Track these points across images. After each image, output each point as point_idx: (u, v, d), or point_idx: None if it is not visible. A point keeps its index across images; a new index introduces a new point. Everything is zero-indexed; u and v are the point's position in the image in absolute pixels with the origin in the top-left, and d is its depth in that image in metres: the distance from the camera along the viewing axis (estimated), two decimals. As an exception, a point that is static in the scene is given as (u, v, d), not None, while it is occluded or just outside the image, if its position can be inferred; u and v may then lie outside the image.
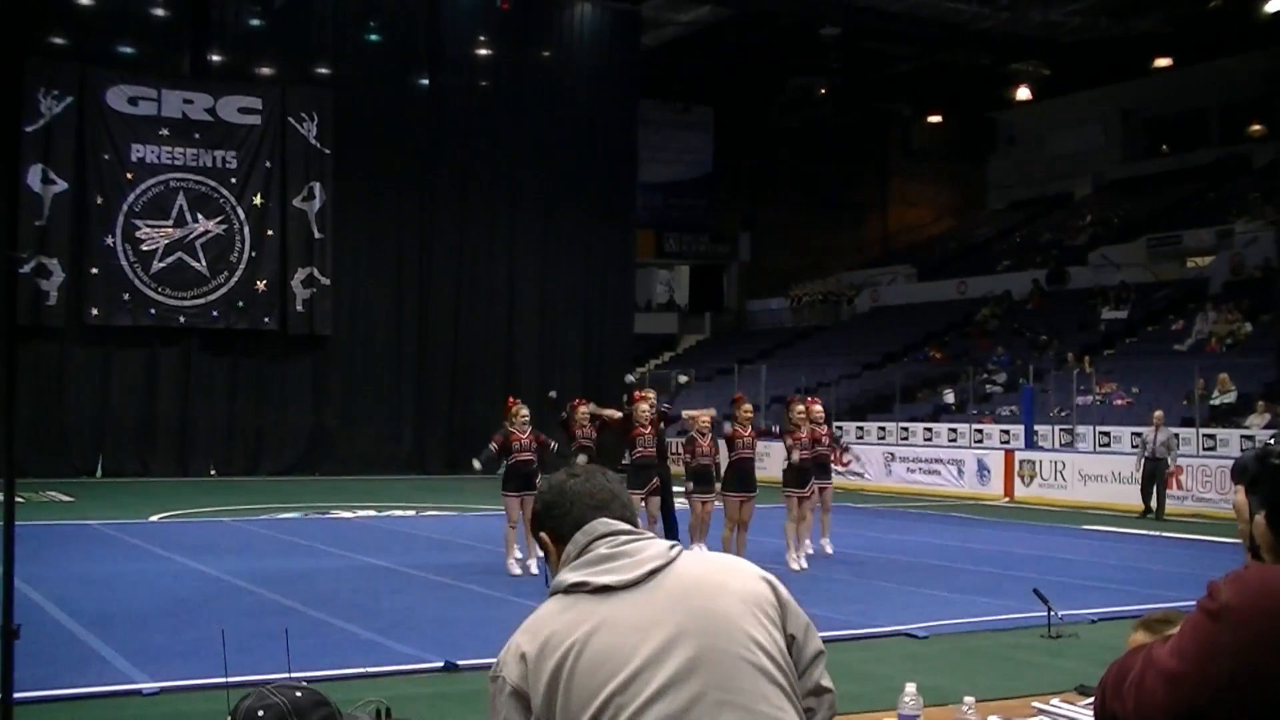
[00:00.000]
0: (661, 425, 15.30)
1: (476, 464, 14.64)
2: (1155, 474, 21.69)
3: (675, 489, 15.65)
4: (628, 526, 2.60)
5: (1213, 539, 18.25)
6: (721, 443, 14.92)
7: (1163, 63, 38.18)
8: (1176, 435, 22.41)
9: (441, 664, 8.64)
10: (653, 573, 2.49)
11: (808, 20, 34.24)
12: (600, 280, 33.30)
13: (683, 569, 2.53)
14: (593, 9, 32.98)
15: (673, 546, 2.58)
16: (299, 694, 4.75)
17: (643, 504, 14.08)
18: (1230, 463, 14.88)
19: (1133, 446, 24.58)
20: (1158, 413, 22.35)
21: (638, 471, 14.33)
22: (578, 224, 32.57)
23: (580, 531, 2.56)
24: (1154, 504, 21.80)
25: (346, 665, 8.48)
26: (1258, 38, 33.89)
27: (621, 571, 2.49)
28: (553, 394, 17.43)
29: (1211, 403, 25.00)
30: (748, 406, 14.74)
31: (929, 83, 40.57)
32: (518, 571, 13.61)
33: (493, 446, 14.25)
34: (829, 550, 15.61)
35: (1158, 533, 19.54)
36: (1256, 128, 38.73)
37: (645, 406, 14.74)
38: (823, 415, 15.96)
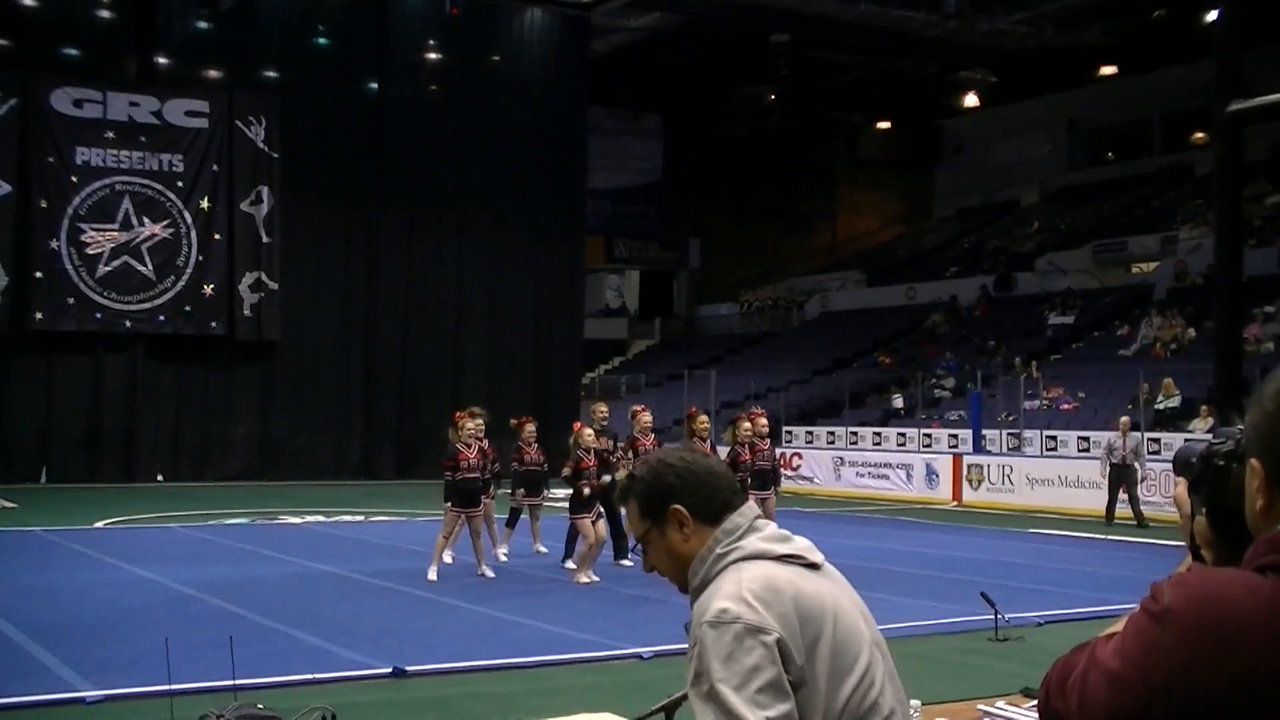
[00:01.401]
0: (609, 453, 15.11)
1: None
2: (1122, 480, 21.59)
3: None
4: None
5: (1159, 542, 18.44)
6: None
7: (1107, 72, 38.63)
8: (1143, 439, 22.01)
9: (390, 670, 8.58)
10: (823, 560, 2.78)
11: (757, 28, 34.39)
12: (549, 286, 33.21)
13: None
14: (542, 15, 32.92)
15: None
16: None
17: (593, 526, 13.94)
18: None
19: (1079, 451, 24.81)
20: (1124, 419, 22.29)
21: (588, 500, 14.08)
22: (527, 230, 32.48)
23: (741, 510, 2.77)
24: (1124, 510, 21.43)
25: (293, 672, 8.43)
26: (1200, 48, 34.26)
27: (813, 554, 2.75)
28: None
29: (1156, 407, 25.28)
30: (703, 419, 14.54)
31: (877, 91, 40.84)
32: (434, 578, 13.47)
33: (446, 476, 14.10)
34: None
35: (1104, 536, 19.72)
36: (1199, 136, 39.21)
37: (589, 433, 14.63)
38: (768, 429, 15.81)
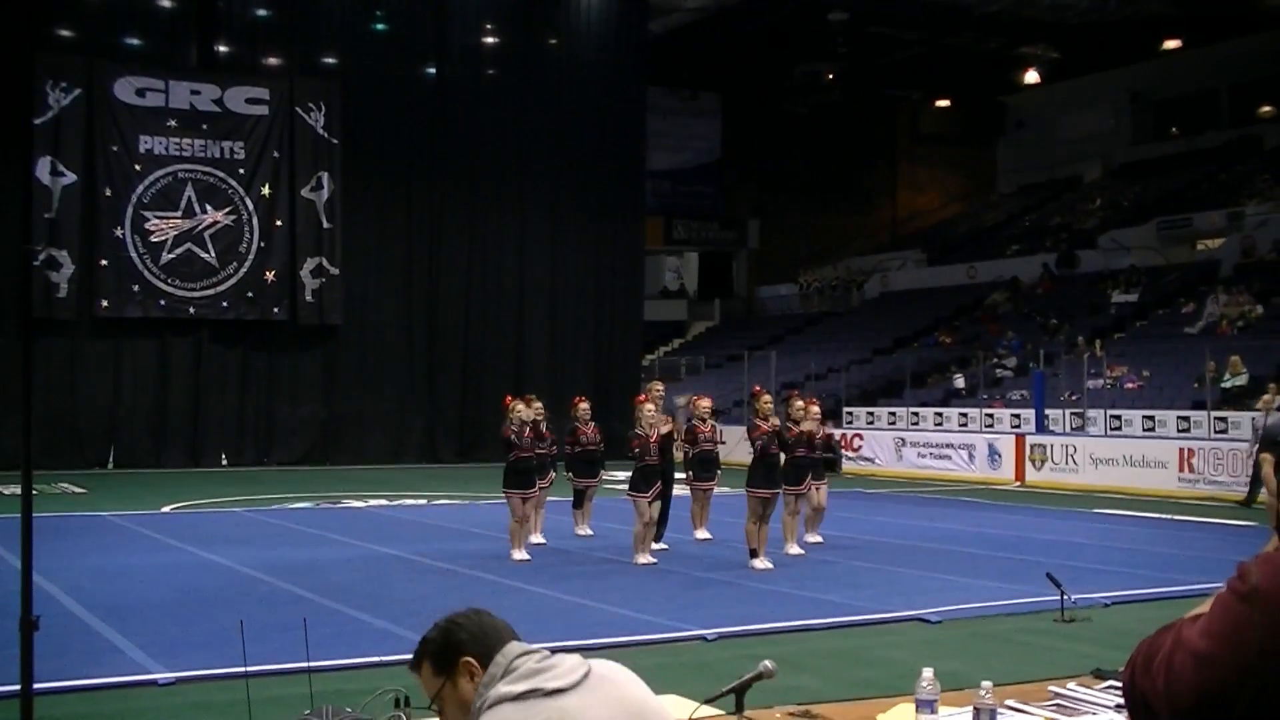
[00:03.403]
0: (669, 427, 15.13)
1: None
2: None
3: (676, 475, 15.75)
4: (536, 646, 2.95)
5: (1226, 522, 18.23)
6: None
7: (1172, 44, 38.08)
8: None
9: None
10: (586, 675, 2.83)
11: (815, 5, 34.19)
12: (609, 268, 33.28)
13: (601, 669, 2.90)
14: (600, -4, 32.92)
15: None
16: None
17: (648, 509, 13.92)
18: (1242, 445, 14.66)
19: (1144, 430, 24.57)
20: (1266, 396, 21.64)
21: (644, 475, 14.08)
22: (586, 211, 32.54)
23: (500, 654, 2.88)
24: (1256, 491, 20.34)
25: (361, 654, 8.50)
26: (1267, 19, 33.79)
27: (562, 677, 2.80)
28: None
29: (1223, 385, 24.94)
30: (767, 398, 14.24)
31: (937, 67, 40.50)
32: (527, 557, 13.65)
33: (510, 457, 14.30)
34: (817, 539, 15.48)
35: (1170, 516, 19.51)
36: (1267, 109, 38.63)
37: (650, 408, 14.61)
38: (819, 415, 15.66)
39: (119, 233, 27.96)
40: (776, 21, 36.12)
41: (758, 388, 14.79)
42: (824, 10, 34.40)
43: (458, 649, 2.92)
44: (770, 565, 13.22)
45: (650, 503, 13.81)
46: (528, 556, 13.72)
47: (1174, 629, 1.69)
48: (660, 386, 15.88)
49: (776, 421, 13.92)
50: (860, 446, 29.50)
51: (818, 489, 15.50)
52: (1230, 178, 37.75)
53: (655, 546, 14.25)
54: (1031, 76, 39.96)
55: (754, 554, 13.40)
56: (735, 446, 22.62)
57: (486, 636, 2.93)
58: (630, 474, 14.14)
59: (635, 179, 34.45)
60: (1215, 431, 23.40)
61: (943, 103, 45.65)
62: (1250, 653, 1.57)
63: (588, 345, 32.70)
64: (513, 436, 13.96)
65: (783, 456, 14.21)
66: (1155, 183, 39.95)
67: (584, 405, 15.99)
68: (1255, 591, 1.60)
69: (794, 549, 14.39)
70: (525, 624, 10.10)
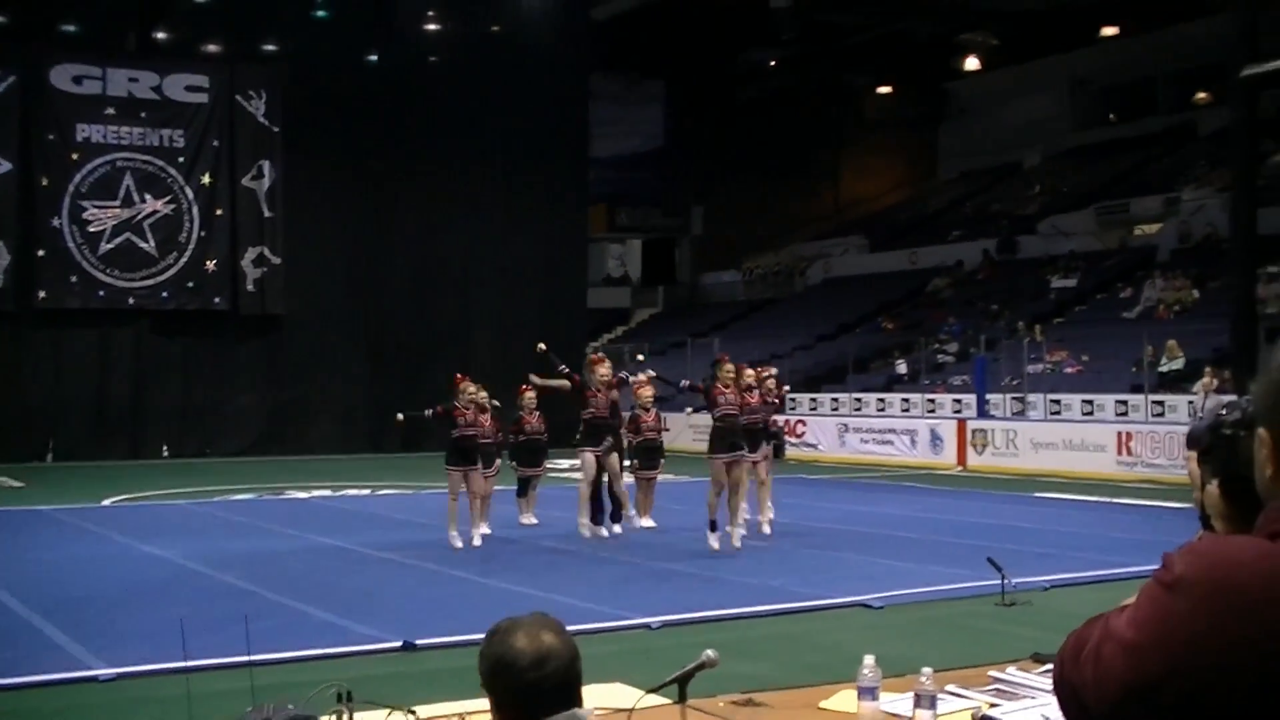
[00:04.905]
0: (616, 392, 15.21)
1: (400, 416, 15.97)
2: None
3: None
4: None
5: (1164, 504, 18.45)
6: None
7: (1110, 31, 38.40)
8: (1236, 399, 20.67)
9: (400, 644, 8.62)
10: None
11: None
12: (553, 255, 33.19)
13: None
14: (542, -18, 32.74)
15: None
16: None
17: (595, 462, 13.93)
18: (1179, 429, 14.95)
19: (1083, 414, 24.82)
20: (1204, 379, 21.61)
21: (593, 431, 14.17)
22: (530, 199, 32.42)
23: None
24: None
25: (305, 647, 8.46)
26: (1203, 6, 34.13)
27: None
28: (541, 346, 16.00)
29: (1160, 369, 25.24)
30: (730, 366, 13.97)
31: (880, 54, 40.61)
32: (459, 545, 13.66)
33: (428, 413, 14.41)
34: (766, 529, 15.21)
35: (1108, 499, 19.73)
36: (1203, 95, 39.02)
37: (603, 370, 14.64)
38: (753, 379, 15.25)
39: (56, 222, 27.60)
40: (721, 8, 36.09)
41: (723, 355, 14.77)
42: (767, -3, 34.42)
43: (489, 681, 2.71)
44: (719, 547, 13.25)
45: (601, 456, 13.88)
46: (460, 545, 13.67)
47: (1101, 620, 1.71)
48: (606, 366, 15.67)
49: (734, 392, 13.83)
50: (803, 432, 29.62)
51: (755, 464, 15.32)
52: (1167, 164, 38.16)
53: (613, 530, 14.35)
54: (973, 63, 40.18)
55: (713, 526, 13.36)
56: (679, 434, 22.66)
57: (525, 692, 2.65)
58: (580, 432, 14.24)
59: (579, 166, 34.39)
60: (1153, 415, 23.68)
61: (886, 89, 45.81)
62: (1177, 642, 1.59)
63: (532, 333, 32.46)
64: (466, 417, 14.01)
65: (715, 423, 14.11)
66: (1094, 169, 40.30)
67: (529, 394, 16.02)
68: (1180, 580, 1.62)
69: (740, 528, 14.40)
70: (470, 614, 10.10)
